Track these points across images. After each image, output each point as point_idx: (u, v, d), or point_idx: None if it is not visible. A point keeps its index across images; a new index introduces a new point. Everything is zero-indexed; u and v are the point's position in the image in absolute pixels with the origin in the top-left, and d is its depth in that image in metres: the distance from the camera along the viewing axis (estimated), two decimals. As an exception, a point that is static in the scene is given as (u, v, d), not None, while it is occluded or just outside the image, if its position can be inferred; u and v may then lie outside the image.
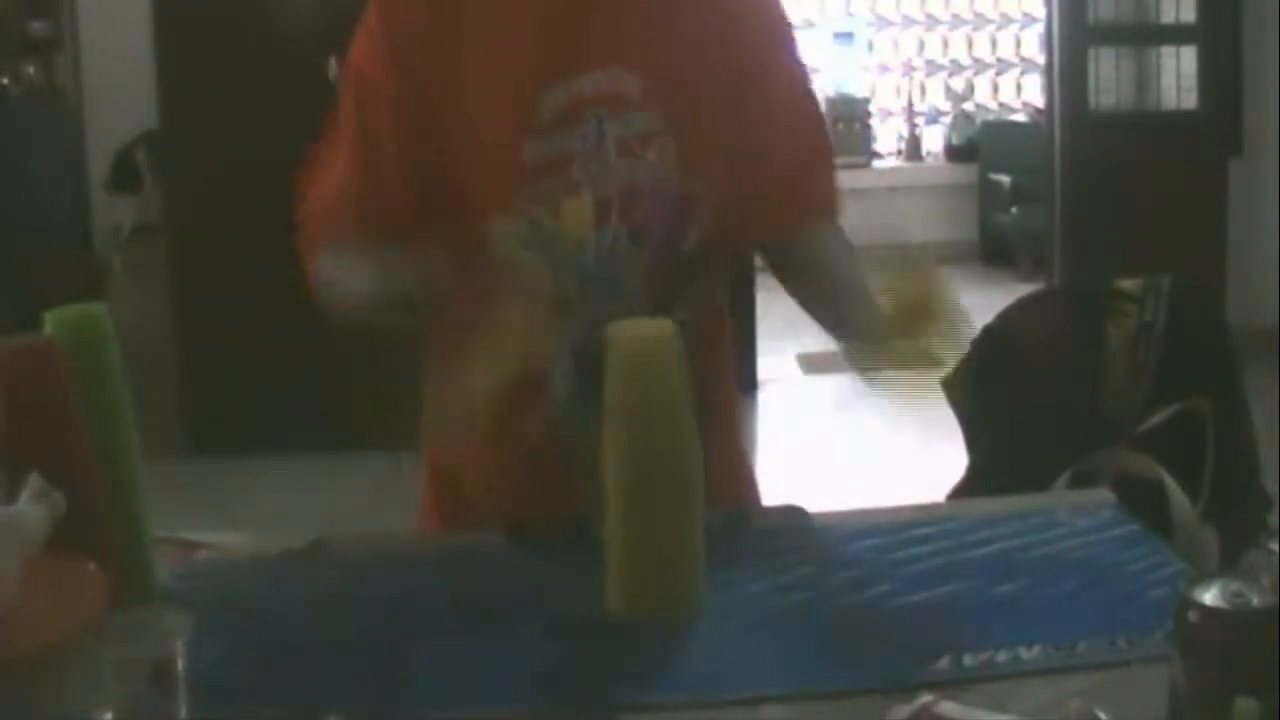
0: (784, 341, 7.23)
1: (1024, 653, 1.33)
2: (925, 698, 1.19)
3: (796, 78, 1.80)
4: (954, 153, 9.66)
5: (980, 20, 9.89)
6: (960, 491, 2.52)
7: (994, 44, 9.90)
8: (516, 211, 1.66)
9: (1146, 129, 6.77)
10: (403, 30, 1.69)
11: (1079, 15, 6.78)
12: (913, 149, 9.76)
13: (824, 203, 1.79)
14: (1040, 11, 7.65)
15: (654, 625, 1.42)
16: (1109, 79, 6.86)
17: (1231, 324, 2.80)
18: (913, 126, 9.78)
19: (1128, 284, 2.63)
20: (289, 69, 5.50)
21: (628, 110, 1.66)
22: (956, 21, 9.89)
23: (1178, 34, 6.81)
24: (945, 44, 9.90)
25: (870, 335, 1.56)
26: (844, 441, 5.80)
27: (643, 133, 1.67)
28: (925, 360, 1.53)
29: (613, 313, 1.57)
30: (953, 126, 9.72)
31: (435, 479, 1.86)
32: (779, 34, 1.79)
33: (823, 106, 1.84)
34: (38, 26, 6.10)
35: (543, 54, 1.66)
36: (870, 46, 9.83)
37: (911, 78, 9.90)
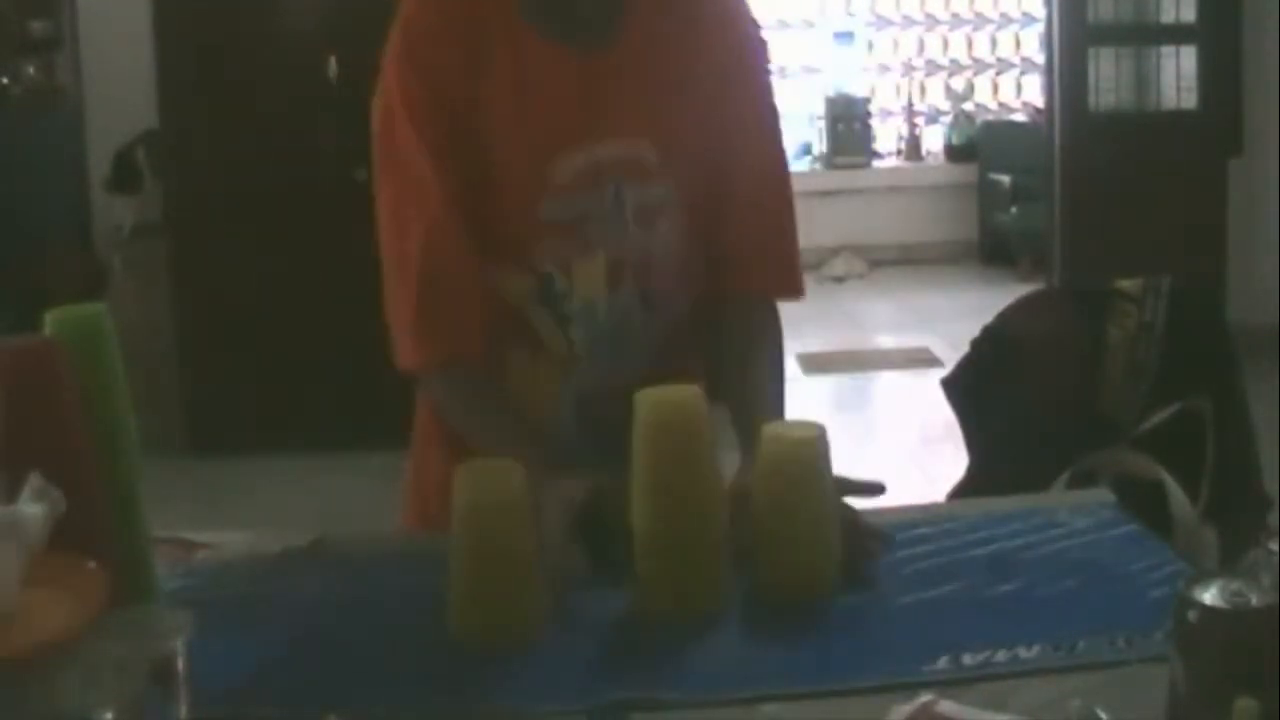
0: (784, 341, 7.23)
1: (1024, 652, 1.33)
2: (925, 697, 1.20)
3: (771, 151, 1.84)
4: (954, 153, 9.66)
5: (980, 20, 9.89)
6: (960, 491, 2.52)
7: (994, 44, 9.90)
8: (532, 267, 1.70)
9: (1146, 129, 6.78)
10: (433, 75, 1.68)
11: (1079, 15, 6.78)
12: (913, 149, 9.76)
13: (786, 286, 1.83)
14: (1040, 11, 7.65)
15: (668, 623, 1.43)
16: (1109, 79, 6.87)
17: (1231, 324, 2.80)
18: (913, 126, 9.78)
19: (1128, 284, 2.63)
20: (289, 69, 5.51)
21: (645, 179, 1.71)
22: (956, 21, 9.89)
23: (1178, 34, 6.81)
24: (945, 44, 9.90)
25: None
26: (844, 441, 5.80)
27: (658, 202, 1.72)
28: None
29: (617, 369, 1.67)
30: (953, 126, 9.72)
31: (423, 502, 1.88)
32: (765, 109, 1.83)
33: (789, 160, 1.90)
34: (38, 26, 6.09)
35: (565, 117, 1.69)
36: (870, 46, 9.84)
37: (911, 78, 9.90)
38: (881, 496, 1.61)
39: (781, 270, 1.83)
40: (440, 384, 1.76)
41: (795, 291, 1.83)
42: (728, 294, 1.80)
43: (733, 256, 1.78)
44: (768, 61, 1.85)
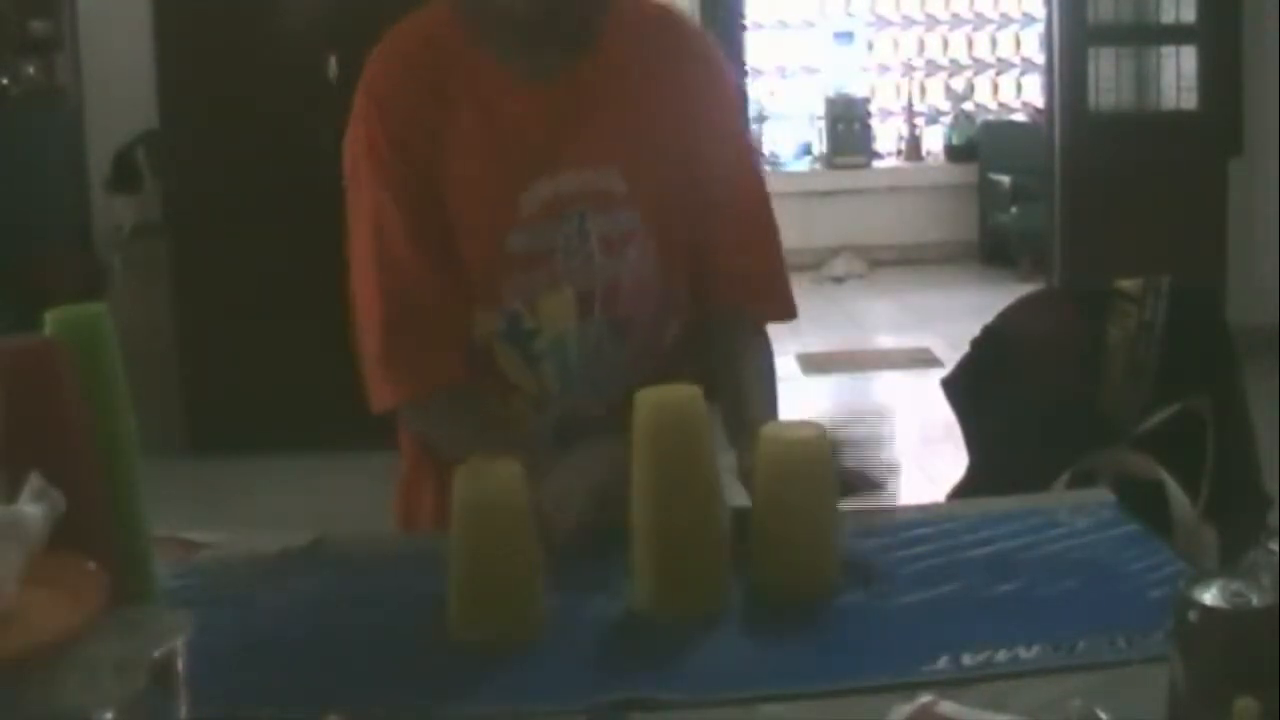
0: (784, 341, 7.21)
1: (1024, 652, 1.33)
2: (925, 698, 1.19)
3: (749, 169, 1.86)
4: (954, 153, 9.66)
5: (980, 20, 9.89)
6: (960, 491, 2.52)
7: (994, 44, 9.91)
8: (499, 306, 1.70)
9: (1146, 129, 6.78)
10: (398, 114, 1.70)
11: (1079, 15, 6.78)
12: (913, 149, 9.76)
13: (781, 311, 1.84)
14: (1040, 11, 7.66)
15: (668, 623, 1.43)
16: (1109, 79, 6.87)
17: (1231, 324, 2.79)
18: (913, 126, 9.79)
19: (1128, 284, 2.62)
20: (289, 69, 5.51)
21: (611, 207, 1.71)
22: (956, 21, 9.89)
23: (1178, 34, 6.81)
24: (945, 44, 9.91)
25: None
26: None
27: (625, 230, 1.72)
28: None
29: (592, 399, 1.68)
30: (953, 126, 9.72)
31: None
32: (736, 128, 1.87)
33: (769, 183, 1.89)
34: (38, 26, 6.09)
35: (532, 147, 1.69)
36: (870, 46, 9.84)
37: (911, 78, 9.91)
38: (884, 494, 1.61)
39: (775, 296, 1.84)
40: (417, 417, 1.77)
41: (790, 315, 1.84)
42: (720, 322, 1.80)
43: (723, 286, 1.79)
44: (743, 100, 1.87)
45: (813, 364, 6.97)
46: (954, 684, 1.26)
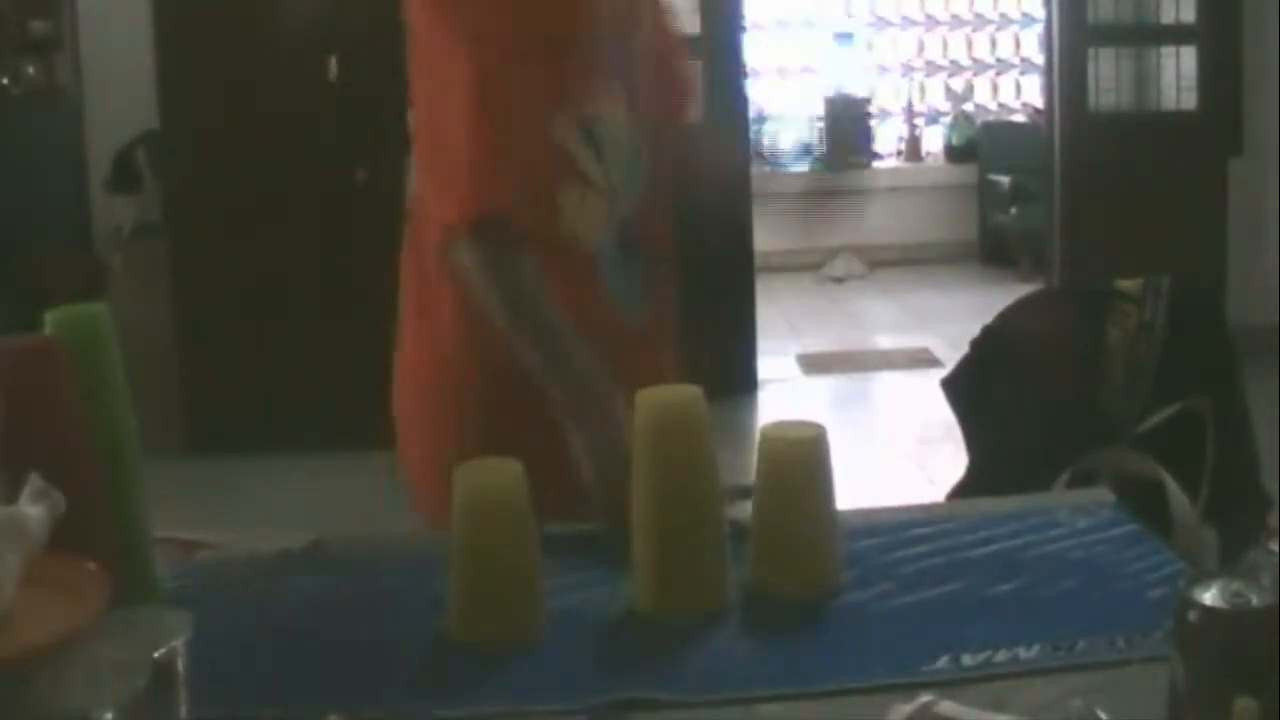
0: (784, 341, 7.24)
1: (1023, 652, 1.33)
2: (925, 697, 1.20)
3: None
4: (954, 153, 9.66)
5: (980, 20, 9.89)
6: (960, 491, 2.52)
7: (994, 44, 9.90)
8: (578, 113, 1.81)
9: (1146, 129, 6.77)
10: None
11: (1079, 15, 6.78)
12: (913, 149, 9.76)
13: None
14: (1040, 12, 7.65)
15: (668, 623, 1.43)
16: (1109, 79, 6.86)
17: (1231, 324, 2.80)
18: (913, 127, 9.78)
19: (1128, 284, 2.63)
20: (289, 69, 5.50)
21: (642, 31, 1.91)
22: (956, 22, 9.89)
23: (1178, 34, 6.81)
24: (945, 44, 9.90)
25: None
26: (844, 441, 5.80)
27: (650, 52, 1.93)
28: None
29: (635, 193, 1.87)
30: (953, 127, 9.72)
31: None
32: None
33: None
34: (38, 26, 6.09)
35: None
36: (870, 47, 9.83)
37: (911, 78, 9.90)
38: None
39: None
40: (472, 246, 1.78)
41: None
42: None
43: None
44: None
45: (813, 364, 6.97)
46: (954, 684, 1.26)
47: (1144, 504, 1.89)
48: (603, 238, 1.84)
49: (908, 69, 9.90)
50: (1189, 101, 6.81)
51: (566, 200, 1.82)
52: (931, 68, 9.90)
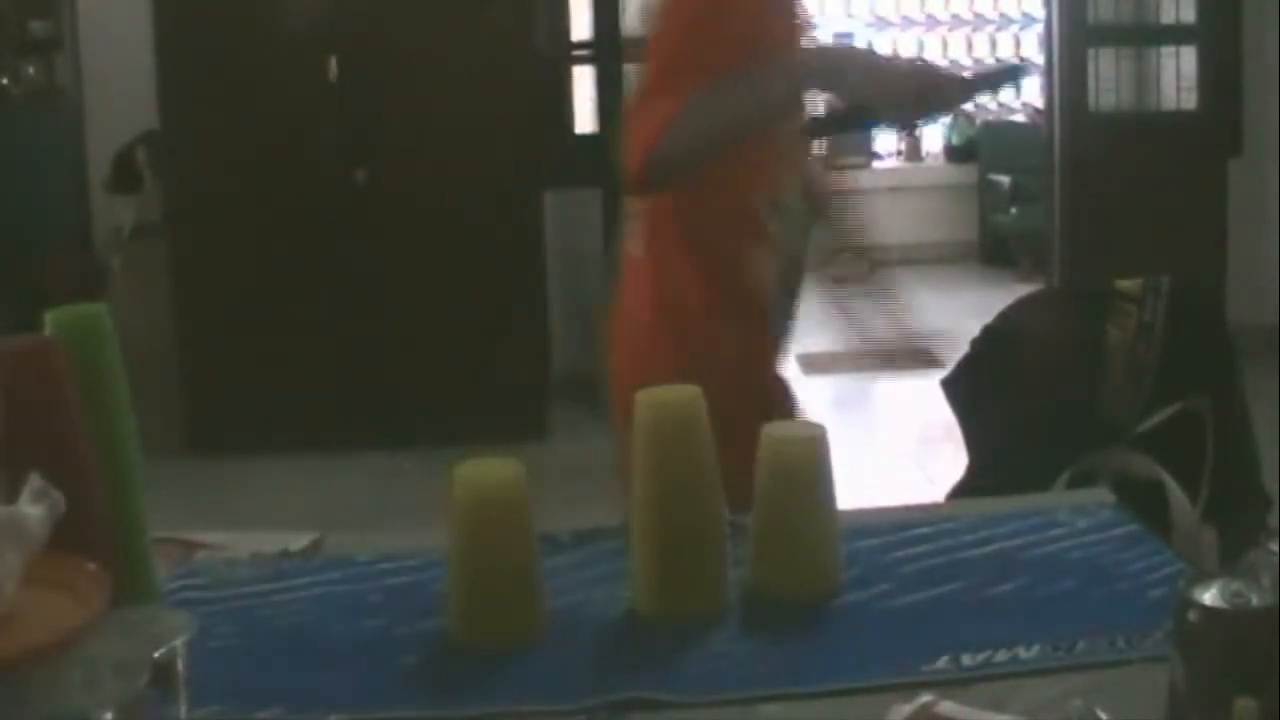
0: (784, 341, 7.23)
1: (1023, 652, 1.33)
2: (925, 697, 1.20)
3: None
4: (954, 153, 9.66)
5: (980, 20, 9.89)
6: (960, 491, 2.52)
7: (994, 44, 9.90)
8: (772, 185, 2.13)
9: (1146, 129, 6.77)
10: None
11: (1079, 15, 6.77)
12: (913, 149, 9.76)
13: None
14: (1040, 12, 7.65)
15: (668, 623, 1.43)
16: (1109, 79, 6.86)
17: (1231, 324, 2.80)
18: (913, 126, 9.78)
19: (1128, 284, 2.63)
20: (289, 69, 5.50)
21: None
22: (956, 22, 9.89)
23: (1177, 34, 6.81)
24: (945, 45, 9.90)
25: None
26: (843, 441, 5.80)
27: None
28: None
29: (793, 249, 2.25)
30: (953, 127, 9.71)
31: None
32: None
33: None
34: (38, 26, 6.10)
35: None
36: (870, 47, 9.83)
37: (911, 78, 9.89)
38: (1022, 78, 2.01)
39: None
40: (698, 108, 1.90)
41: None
42: None
43: None
44: None
45: (813, 364, 6.96)
46: (954, 684, 1.26)
47: (1144, 504, 1.89)
48: (772, 283, 2.19)
49: (908, 69, 9.90)
50: (1189, 102, 6.80)
51: (755, 255, 2.14)
52: (931, 68, 9.90)
